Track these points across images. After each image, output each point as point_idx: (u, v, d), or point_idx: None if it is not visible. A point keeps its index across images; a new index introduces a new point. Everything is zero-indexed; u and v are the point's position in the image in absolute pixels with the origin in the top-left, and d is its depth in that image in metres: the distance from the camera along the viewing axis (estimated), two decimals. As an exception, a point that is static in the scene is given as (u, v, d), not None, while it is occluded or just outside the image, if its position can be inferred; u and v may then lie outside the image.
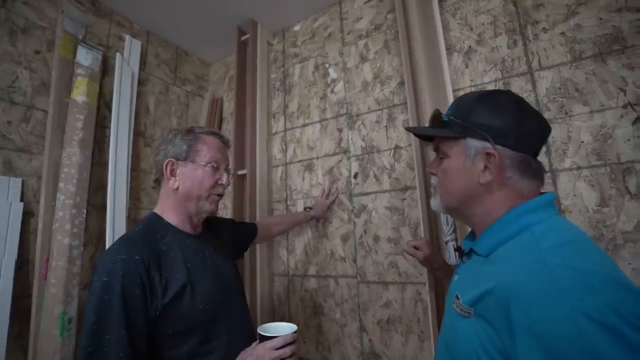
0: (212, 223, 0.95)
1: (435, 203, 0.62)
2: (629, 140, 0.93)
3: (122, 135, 1.44)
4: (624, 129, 0.93)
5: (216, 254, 0.85)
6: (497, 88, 1.13)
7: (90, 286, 0.67)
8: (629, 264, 0.88)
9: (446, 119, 0.58)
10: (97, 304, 0.62)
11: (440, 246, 1.08)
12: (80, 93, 1.35)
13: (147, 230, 0.76)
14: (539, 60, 1.07)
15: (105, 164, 1.40)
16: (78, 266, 1.21)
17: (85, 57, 1.39)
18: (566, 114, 1.01)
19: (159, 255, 0.71)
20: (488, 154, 0.53)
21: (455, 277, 0.61)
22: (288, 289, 1.51)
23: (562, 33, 1.05)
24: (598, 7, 1.01)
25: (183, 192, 0.80)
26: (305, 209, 1.47)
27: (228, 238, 1.00)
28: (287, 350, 0.66)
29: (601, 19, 1.00)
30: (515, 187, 0.53)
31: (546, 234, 0.47)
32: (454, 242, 1.10)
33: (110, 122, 1.43)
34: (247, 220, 1.50)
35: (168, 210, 0.81)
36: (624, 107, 0.94)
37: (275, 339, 0.67)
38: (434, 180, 0.63)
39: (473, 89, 1.17)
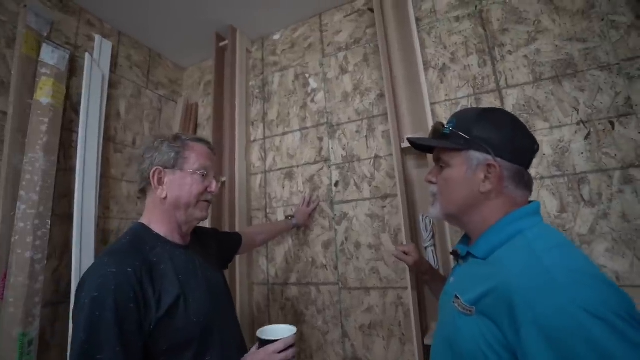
0: (198, 233, 0.93)
1: (434, 211, 0.66)
2: (582, 153, 1.05)
3: (91, 139, 1.35)
4: (578, 143, 1.06)
5: (205, 264, 0.83)
6: (471, 104, 1.22)
7: (76, 304, 0.63)
8: (585, 263, 0.99)
9: (447, 132, 0.62)
10: (87, 322, 0.58)
11: (420, 252, 1.14)
12: (44, 94, 1.26)
13: (135, 242, 0.72)
14: (506, 79, 1.18)
15: (72, 170, 1.31)
16: (40, 282, 1.11)
17: (50, 55, 1.30)
18: (530, 129, 1.11)
19: (151, 267, 0.68)
20: (489, 165, 0.57)
21: (451, 279, 0.65)
22: (268, 297, 1.50)
23: (525, 56, 1.16)
24: (553, 35, 1.14)
25: (171, 200, 0.77)
26: (286, 217, 1.46)
27: (214, 248, 0.98)
28: (289, 353, 0.67)
29: (557, 45, 1.13)
30: (510, 196, 0.58)
31: (537, 238, 0.52)
32: (432, 248, 1.16)
33: (77, 125, 1.34)
34: (226, 228, 1.47)
35: (156, 220, 0.78)
36: (578, 124, 1.06)
37: (276, 342, 0.67)
38: (433, 188, 0.66)
39: (448, 103, 1.26)
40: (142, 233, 0.75)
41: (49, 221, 1.17)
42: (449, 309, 0.59)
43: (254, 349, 0.71)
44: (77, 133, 1.32)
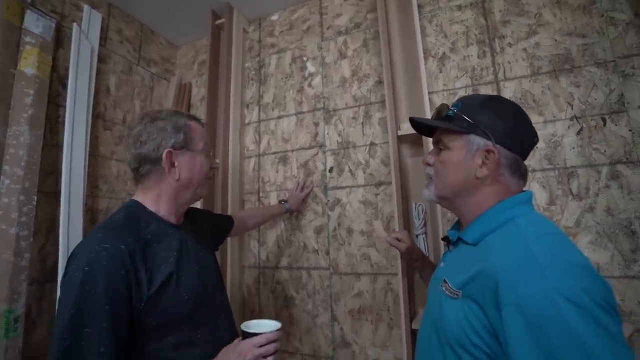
0: (190, 214, 0.92)
1: (428, 193, 0.66)
2: (573, 148, 1.07)
3: (79, 115, 1.31)
4: (570, 138, 1.08)
5: (197, 245, 0.83)
6: (469, 92, 1.22)
7: (66, 277, 0.62)
8: (570, 254, 1.03)
9: (452, 114, 0.62)
10: (77, 296, 0.58)
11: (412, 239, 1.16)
12: (29, 64, 1.20)
13: (130, 219, 0.71)
14: (504, 72, 1.18)
15: (58, 146, 1.26)
16: (26, 259, 1.09)
17: (35, 23, 1.23)
18: (525, 122, 1.13)
19: (145, 245, 0.68)
20: (488, 151, 0.58)
21: (442, 264, 0.67)
22: (258, 280, 1.50)
23: (524, 49, 1.17)
24: (554, 29, 1.14)
25: (184, 181, 0.77)
26: (280, 201, 1.45)
27: (206, 229, 0.97)
28: (270, 348, 0.66)
29: (556, 40, 1.13)
30: (505, 184, 0.59)
31: (528, 225, 0.53)
32: (424, 236, 1.18)
33: (65, 100, 1.29)
34: (218, 211, 1.46)
35: (157, 200, 0.77)
36: (571, 119, 1.08)
37: (258, 336, 0.66)
38: (429, 170, 0.66)
39: (446, 93, 1.26)
40: (137, 210, 0.74)
41: (35, 197, 1.13)
42: (437, 293, 0.60)
43: (237, 341, 0.70)
44: (65, 107, 1.27)
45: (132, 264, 0.64)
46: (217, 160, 1.49)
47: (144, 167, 0.75)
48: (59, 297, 0.62)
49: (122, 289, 0.61)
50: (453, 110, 0.62)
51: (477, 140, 0.59)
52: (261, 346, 0.66)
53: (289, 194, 1.46)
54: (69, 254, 0.66)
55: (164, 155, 0.74)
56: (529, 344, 0.42)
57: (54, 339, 0.58)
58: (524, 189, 0.62)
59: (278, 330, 0.69)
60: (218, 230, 1.06)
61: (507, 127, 0.58)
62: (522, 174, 0.60)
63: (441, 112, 0.64)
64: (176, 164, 0.76)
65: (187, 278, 0.72)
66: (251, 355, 0.65)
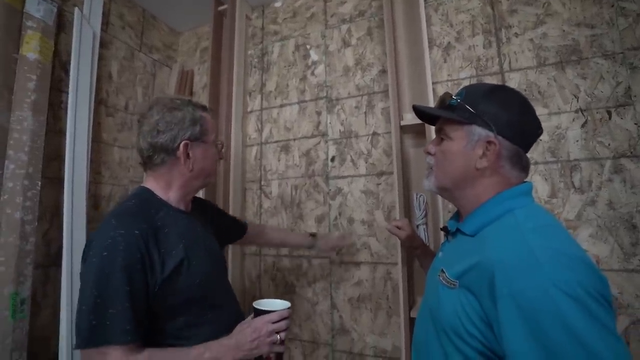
0: (196, 202, 0.93)
1: (428, 183, 0.66)
2: (577, 141, 1.06)
3: (82, 101, 1.30)
4: (575, 131, 1.07)
5: (204, 231, 0.85)
6: (474, 81, 1.21)
7: (85, 263, 0.65)
8: (569, 247, 1.03)
9: (454, 104, 0.61)
10: (99, 279, 0.62)
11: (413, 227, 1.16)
12: (31, 49, 1.20)
13: (141, 205, 0.73)
14: (510, 63, 1.17)
15: (61, 132, 1.27)
16: (31, 243, 1.10)
17: (36, 7, 1.22)
18: (529, 113, 1.12)
19: (156, 231, 0.70)
20: (489, 142, 0.57)
21: (440, 254, 0.67)
22: (260, 268, 1.52)
23: (531, 39, 1.15)
24: (562, 20, 1.12)
25: (197, 172, 0.78)
26: (310, 234, 1.23)
27: (211, 219, 0.98)
28: (283, 324, 0.70)
29: (564, 30, 1.11)
30: (505, 176, 0.59)
31: (527, 217, 0.53)
32: (424, 226, 1.18)
33: (67, 85, 1.28)
34: (220, 200, 1.47)
35: (167, 188, 0.78)
36: (576, 111, 1.07)
37: (272, 313, 0.70)
38: (430, 159, 0.66)
39: (450, 83, 1.25)
40: (147, 197, 0.76)
41: (39, 182, 1.14)
42: (434, 282, 0.60)
43: (249, 318, 0.73)
44: (67, 93, 1.27)
45: (146, 248, 0.66)
46: (224, 150, 1.49)
47: (159, 156, 0.75)
48: (81, 282, 0.65)
49: (139, 271, 0.64)
50: (456, 99, 0.61)
51: (479, 131, 0.58)
52: (274, 322, 0.69)
53: (321, 232, 1.34)
54: (86, 242, 0.69)
55: (181, 147, 0.75)
56: (524, 335, 0.43)
57: (80, 321, 0.61)
58: (525, 180, 0.62)
59: (289, 308, 0.73)
60: (226, 232, 1.03)
61: (511, 118, 0.57)
62: (523, 166, 0.59)
63: (444, 101, 0.63)
64: (191, 155, 0.76)
65: (197, 263, 0.74)
66: (265, 330, 0.69)
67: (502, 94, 0.60)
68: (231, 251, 1.46)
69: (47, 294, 1.19)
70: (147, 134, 0.74)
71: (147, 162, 0.77)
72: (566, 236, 0.51)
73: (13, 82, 1.14)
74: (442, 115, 0.64)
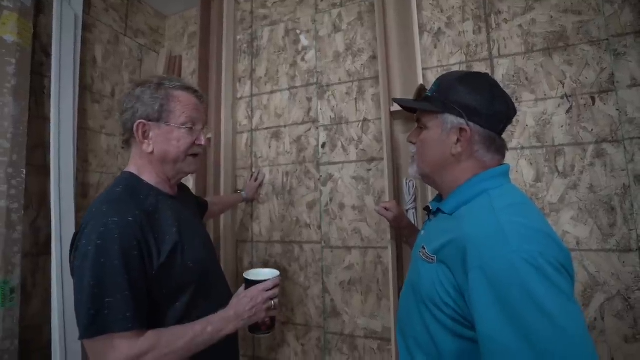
0: (181, 186, 0.92)
1: (412, 170, 0.71)
2: (562, 126, 1.09)
3: (65, 86, 1.27)
4: (560, 116, 1.09)
5: (192, 215, 0.85)
6: (465, 69, 1.22)
7: (78, 252, 0.63)
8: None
9: (429, 95, 0.65)
10: (94, 268, 0.60)
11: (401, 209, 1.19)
12: (8, 31, 1.15)
13: (130, 191, 0.71)
14: (499, 49, 1.18)
15: (45, 119, 1.24)
16: (19, 232, 1.09)
17: (13, -13, 1.17)
18: (517, 100, 1.14)
19: (148, 216, 0.69)
20: (461, 129, 0.61)
21: (422, 232, 0.72)
22: (252, 254, 1.54)
23: (520, 25, 1.16)
24: (550, 6, 1.13)
25: (159, 155, 0.75)
26: (236, 191, 1.55)
27: (195, 202, 0.99)
28: (276, 291, 0.75)
29: (552, 17, 1.13)
30: (480, 159, 0.62)
31: (500, 197, 0.57)
32: (414, 211, 1.21)
33: (49, 70, 1.24)
34: (211, 187, 1.46)
35: (145, 171, 0.76)
36: (562, 97, 1.10)
37: (266, 281, 0.74)
38: (413, 149, 0.70)
39: (440, 69, 1.26)
40: (134, 182, 0.74)
41: (24, 170, 1.12)
42: (416, 258, 0.65)
43: (241, 289, 0.76)
44: (49, 78, 1.23)
45: (142, 234, 0.65)
46: (209, 136, 1.48)
47: (125, 135, 0.75)
48: (76, 272, 0.63)
49: (136, 258, 0.64)
50: (431, 90, 0.65)
51: (451, 119, 0.61)
52: (268, 290, 0.74)
53: (244, 184, 1.54)
54: (79, 229, 0.67)
55: (134, 127, 0.72)
56: (490, 301, 0.47)
57: (80, 312, 0.60)
58: (504, 162, 0.65)
59: (279, 276, 0.78)
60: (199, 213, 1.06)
61: (480, 104, 0.60)
62: (498, 149, 0.62)
63: (420, 93, 0.68)
64: (150, 136, 0.73)
65: (190, 247, 0.74)
66: (261, 298, 0.73)
67: (471, 80, 0.63)
68: (223, 236, 1.47)
69: (37, 282, 1.18)
70: (119, 113, 0.75)
71: (125, 144, 0.77)
72: (534, 212, 0.55)
73: (-8, 66, 1.10)
74: (418, 108, 0.67)
